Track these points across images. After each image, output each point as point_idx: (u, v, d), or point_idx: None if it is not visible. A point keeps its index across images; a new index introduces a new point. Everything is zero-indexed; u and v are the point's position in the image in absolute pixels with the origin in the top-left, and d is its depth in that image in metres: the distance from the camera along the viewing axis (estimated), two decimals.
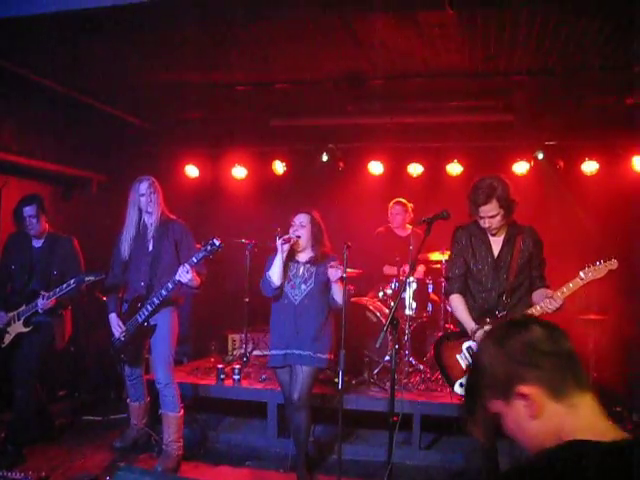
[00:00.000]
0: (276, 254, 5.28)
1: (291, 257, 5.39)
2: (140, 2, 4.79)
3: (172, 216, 5.83)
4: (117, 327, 5.67)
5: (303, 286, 5.34)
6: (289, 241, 5.24)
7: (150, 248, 5.68)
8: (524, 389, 1.68)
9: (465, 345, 4.61)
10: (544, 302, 4.28)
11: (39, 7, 5.04)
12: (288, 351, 5.28)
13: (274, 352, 5.39)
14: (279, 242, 5.20)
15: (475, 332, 4.51)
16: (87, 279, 5.52)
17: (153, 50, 6.38)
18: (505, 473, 1.78)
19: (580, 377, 1.69)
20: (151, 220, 5.68)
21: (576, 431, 1.63)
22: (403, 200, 7.85)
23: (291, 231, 5.33)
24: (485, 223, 4.49)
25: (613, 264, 4.26)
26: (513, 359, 1.70)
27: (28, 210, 5.80)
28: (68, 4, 4.95)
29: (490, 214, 4.43)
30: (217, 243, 5.24)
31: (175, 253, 5.68)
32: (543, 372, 1.67)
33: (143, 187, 5.63)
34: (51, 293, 5.58)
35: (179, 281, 5.32)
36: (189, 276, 5.27)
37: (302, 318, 5.29)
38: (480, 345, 1.82)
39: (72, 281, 5.51)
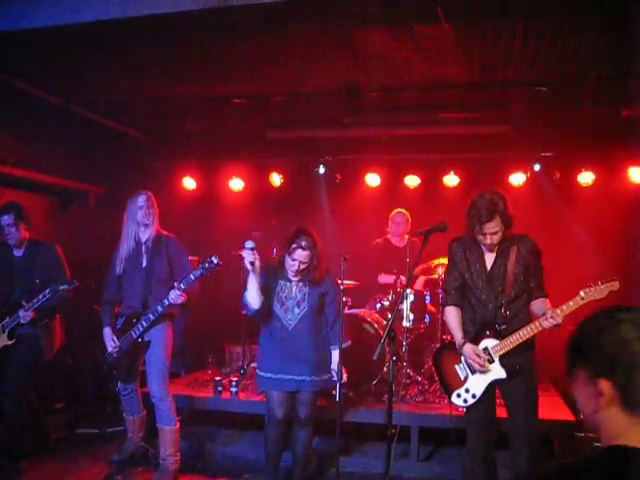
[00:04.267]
0: (249, 273, 4.95)
1: (282, 274, 5.13)
2: (138, 16, 4.83)
3: (164, 232, 5.83)
4: (111, 341, 5.66)
5: (296, 310, 5.08)
6: (255, 263, 4.87)
7: (144, 264, 5.68)
8: (603, 385, 1.70)
9: (481, 346, 4.52)
10: (541, 320, 4.25)
11: (37, 21, 5.07)
12: (284, 376, 5.05)
13: (267, 375, 5.13)
14: (246, 263, 4.87)
15: (462, 345, 4.49)
16: (61, 288, 5.45)
17: (151, 63, 6.41)
18: (549, 469, 1.82)
19: None
20: (146, 235, 5.69)
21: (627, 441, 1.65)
22: (404, 211, 7.85)
23: (291, 266, 4.98)
24: (487, 240, 4.42)
25: (614, 285, 4.20)
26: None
27: (6, 219, 5.71)
28: (66, 18, 4.98)
29: (493, 230, 4.37)
30: (215, 261, 5.22)
31: (169, 268, 5.69)
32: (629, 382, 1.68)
33: (141, 200, 5.64)
34: (30, 304, 5.49)
35: (172, 303, 5.39)
36: (181, 299, 5.37)
37: (298, 343, 5.06)
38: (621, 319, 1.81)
39: (47, 291, 5.44)
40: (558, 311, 4.19)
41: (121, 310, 5.79)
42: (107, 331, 5.70)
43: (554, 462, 5.84)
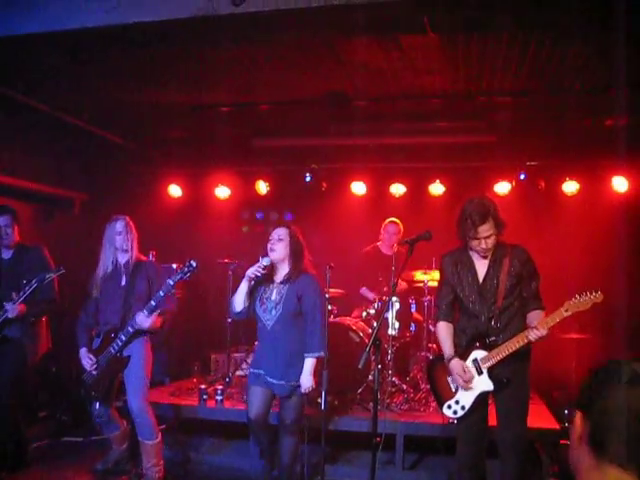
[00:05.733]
0: (243, 280, 5.16)
1: (268, 276, 5.23)
2: (125, 24, 4.83)
3: (144, 257, 5.85)
4: (87, 359, 5.57)
5: (274, 311, 5.14)
6: (255, 279, 5.11)
7: (123, 282, 5.64)
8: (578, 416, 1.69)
9: (470, 357, 4.52)
10: (527, 332, 4.26)
11: (23, 28, 5.06)
12: (269, 379, 5.11)
13: (255, 370, 5.24)
14: (248, 272, 5.09)
15: (450, 360, 4.50)
16: (47, 276, 5.42)
17: (138, 71, 6.41)
18: None
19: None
20: (125, 258, 5.66)
21: None
22: (397, 220, 7.86)
23: (268, 245, 5.17)
24: (482, 244, 4.40)
25: (598, 297, 4.18)
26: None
27: (3, 220, 5.73)
28: (52, 25, 4.97)
29: (487, 234, 4.36)
30: (194, 264, 5.23)
31: (147, 288, 5.63)
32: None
33: (119, 226, 5.61)
34: (17, 297, 5.42)
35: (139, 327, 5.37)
36: (148, 323, 5.34)
37: (275, 344, 5.12)
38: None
39: (34, 281, 5.39)
40: (543, 324, 4.20)
41: (98, 330, 5.69)
42: (83, 351, 5.62)
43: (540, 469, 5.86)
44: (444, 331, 4.64)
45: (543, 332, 4.18)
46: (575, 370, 7.38)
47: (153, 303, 5.32)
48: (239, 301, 5.16)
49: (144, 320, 5.32)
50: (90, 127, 8.20)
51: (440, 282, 4.80)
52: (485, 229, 4.34)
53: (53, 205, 8.43)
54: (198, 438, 6.80)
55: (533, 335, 4.21)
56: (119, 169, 9.06)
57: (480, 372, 4.42)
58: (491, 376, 4.39)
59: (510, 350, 4.30)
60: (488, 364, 4.39)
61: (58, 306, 5.90)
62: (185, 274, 5.26)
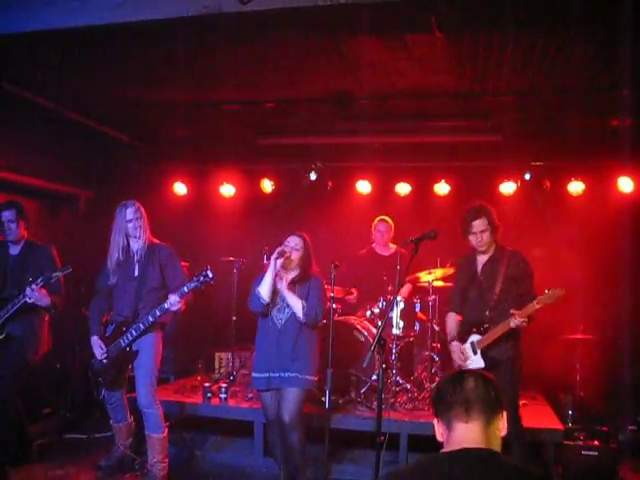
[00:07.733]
0: (266, 270, 5.31)
1: (278, 277, 5.37)
2: (130, 22, 4.82)
3: (156, 240, 5.83)
4: (99, 348, 5.62)
5: (287, 309, 5.34)
6: (284, 255, 5.24)
7: (136, 273, 5.66)
8: (435, 420, 2.40)
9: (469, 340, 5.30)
10: (509, 319, 4.97)
11: (29, 25, 5.05)
12: (272, 374, 5.26)
13: (257, 375, 5.37)
14: (274, 256, 5.24)
15: (450, 342, 5.41)
16: (54, 275, 5.43)
17: (143, 69, 6.41)
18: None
19: (468, 413, 2.28)
20: (138, 245, 5.67)
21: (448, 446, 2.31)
22: (387, 218, 7.87)
23: (282, 248, 5.31)
24: (477, 238, 5.19)
25: (560, 292, 4.82)
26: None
27: (7, 214, 5.75)
28: (58, 22, 4.97)
29: (481, 229, 5.16)
30: (210, 275, 5.30)
31: (161, 277, 5.69)
32: (443, 414, 2.35)
33: (130, 213, 5.61)
34: (34, 284, 5.40)
35: (168, 309, 5.39)
36: (179, 305, 5.41)
37: (284, 339, 5.29)
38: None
39: (39, 279, 5.39)
40: (521, 313, 4.93)
41: (111, 317, 5.77)
42: (95, 339, 5.67)
43: (543, 469, 5.85)
44: (450, 319, 5.52)
45: (520, 320, 4.89)
46: (579, 371, 7.36)
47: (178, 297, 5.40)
48: (267, 289, 5.30)
49: (175, 304, 5.40)
50: (96, 125, 8.21)
51: (454, 280, 5.72)
52: (478, 224, 5.17)
53: (58, 202, 8.44)
54: (202, 435, 6.82)
55: (513, 322, 4.92)
56: (124, 166, 9.06)
57: (475, 352, 5.20)
58: (484, 356, 5.15)
59: (498, 334, 5.07)
60: (481, 345, 5.16)
61: (65, 300, 5.89)
62: (200, 283, 5.33)
